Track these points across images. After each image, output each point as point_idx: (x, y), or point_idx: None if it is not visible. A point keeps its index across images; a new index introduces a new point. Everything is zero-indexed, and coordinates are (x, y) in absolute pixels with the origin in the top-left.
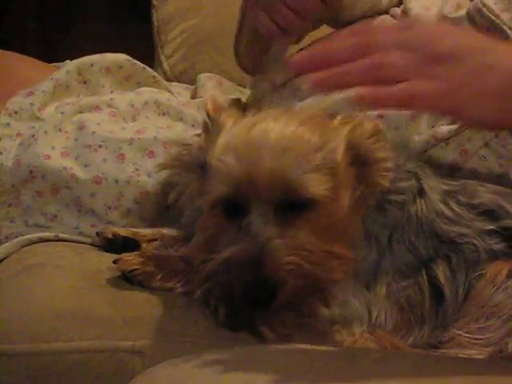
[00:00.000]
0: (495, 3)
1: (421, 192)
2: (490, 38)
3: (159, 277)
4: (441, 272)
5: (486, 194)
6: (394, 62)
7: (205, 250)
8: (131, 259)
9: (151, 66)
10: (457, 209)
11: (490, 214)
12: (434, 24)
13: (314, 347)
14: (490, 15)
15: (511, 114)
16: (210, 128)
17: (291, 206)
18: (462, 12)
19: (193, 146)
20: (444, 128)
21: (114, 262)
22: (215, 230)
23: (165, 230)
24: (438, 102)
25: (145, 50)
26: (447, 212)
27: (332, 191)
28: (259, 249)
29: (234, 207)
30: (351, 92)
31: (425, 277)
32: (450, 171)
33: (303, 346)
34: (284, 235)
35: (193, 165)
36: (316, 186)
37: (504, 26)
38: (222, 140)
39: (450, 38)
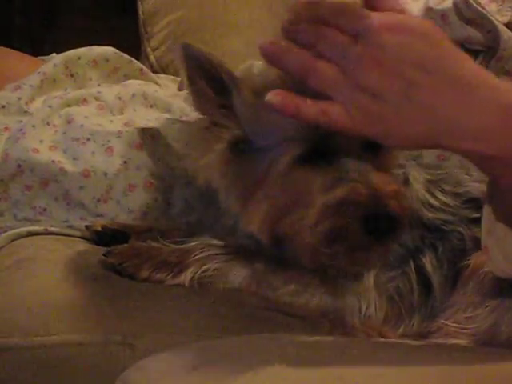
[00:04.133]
0: None
1: (406, 182)
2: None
3: (149, 269)
4: (428, 262)
5: (471, 182)
6: (327, 74)
7: (276, 216)
8: (121, 252)
9: (137, 59)
10: (442, 197)
11: (475, 202)
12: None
13: (306, 337)
14: (477, 6)
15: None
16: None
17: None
18: (449, 3)
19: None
20: None
21: (104, 255)
22: (293, 189)
23: (154, 223)
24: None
25: (131, 42)
26: (432, 201)
27: None
28: (368, 186)
29: (317, 157)
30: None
31: (412, 267)
32: (438, 161)
33: (293, 336)
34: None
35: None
36: None
37: (491, 17)
38: None
39: (389, 71)
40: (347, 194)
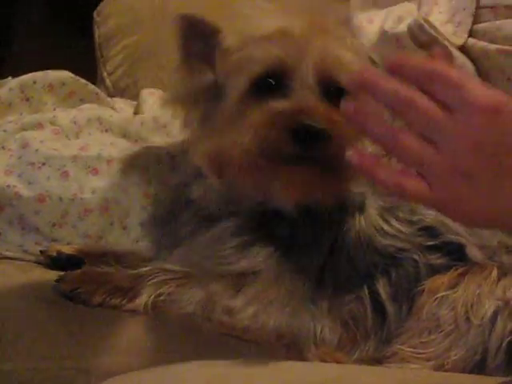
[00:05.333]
0: (440, 12)
1: (362, 208)
2: None
3: (103, 294)
4: (381, 287)
5: (425, 210)
6: (412, 150)
7: (218, 146)
8: (73, 278)
9: (94, 82)
10: (396, 224)
11: (429, 230)
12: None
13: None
14: (432, 31)
15: None
16: None
17: (333, 91)
18: (403, 27)
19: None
20: None
21: (57, 281)
22: (237, 120)
23: (109, 247)
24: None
25: (88, 65)
26: (386, 227)
27: None
28: (310, 102)
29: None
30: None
31: (366, 292)
32: None
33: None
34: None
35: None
36: None
37: (445, 42)
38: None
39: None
40: (277, 108)
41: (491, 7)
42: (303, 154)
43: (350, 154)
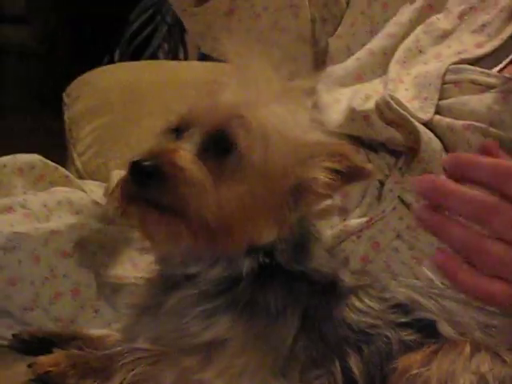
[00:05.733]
0: (406, 89)
1: (332, 284)
2: None
3: (76, 376)
4: (353, 363)
5: (397, 287)
6: (500, 257)
7: None
8: (46, 361)
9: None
10: (367, 301)
11: (401, 307)
12: None
13: None
14: (398, 108)
15: None
16: None
17: (220, 147)
18: (371, 104)
19: None
20: (355, 221)
21: (29, 365)
22: None
23: (82, 330)
24: None
25: (60, 144)
26: (357, 304)
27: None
28: (165, 150)
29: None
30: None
31: (338, 368)
32: (363, 264)
33: None
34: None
35: None
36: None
37: (412, 119)
38: None
39: None
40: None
41: (456, 83)
42: (139, 193)
43: (437, 260)
